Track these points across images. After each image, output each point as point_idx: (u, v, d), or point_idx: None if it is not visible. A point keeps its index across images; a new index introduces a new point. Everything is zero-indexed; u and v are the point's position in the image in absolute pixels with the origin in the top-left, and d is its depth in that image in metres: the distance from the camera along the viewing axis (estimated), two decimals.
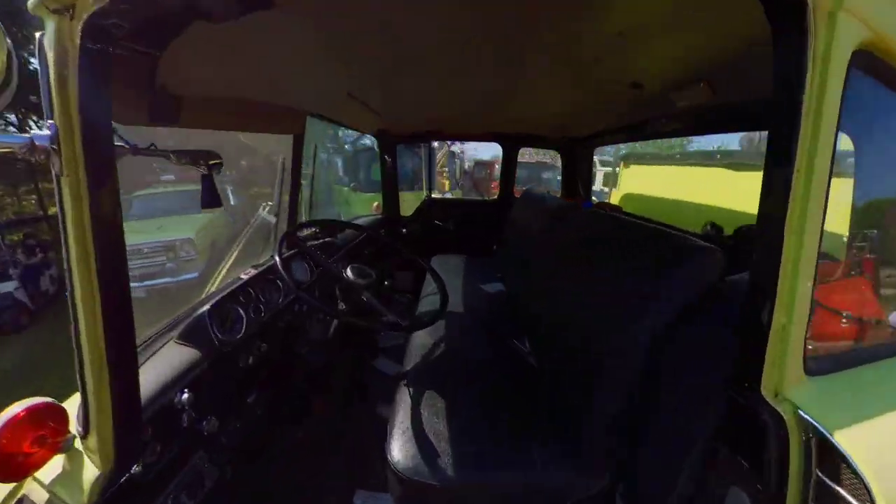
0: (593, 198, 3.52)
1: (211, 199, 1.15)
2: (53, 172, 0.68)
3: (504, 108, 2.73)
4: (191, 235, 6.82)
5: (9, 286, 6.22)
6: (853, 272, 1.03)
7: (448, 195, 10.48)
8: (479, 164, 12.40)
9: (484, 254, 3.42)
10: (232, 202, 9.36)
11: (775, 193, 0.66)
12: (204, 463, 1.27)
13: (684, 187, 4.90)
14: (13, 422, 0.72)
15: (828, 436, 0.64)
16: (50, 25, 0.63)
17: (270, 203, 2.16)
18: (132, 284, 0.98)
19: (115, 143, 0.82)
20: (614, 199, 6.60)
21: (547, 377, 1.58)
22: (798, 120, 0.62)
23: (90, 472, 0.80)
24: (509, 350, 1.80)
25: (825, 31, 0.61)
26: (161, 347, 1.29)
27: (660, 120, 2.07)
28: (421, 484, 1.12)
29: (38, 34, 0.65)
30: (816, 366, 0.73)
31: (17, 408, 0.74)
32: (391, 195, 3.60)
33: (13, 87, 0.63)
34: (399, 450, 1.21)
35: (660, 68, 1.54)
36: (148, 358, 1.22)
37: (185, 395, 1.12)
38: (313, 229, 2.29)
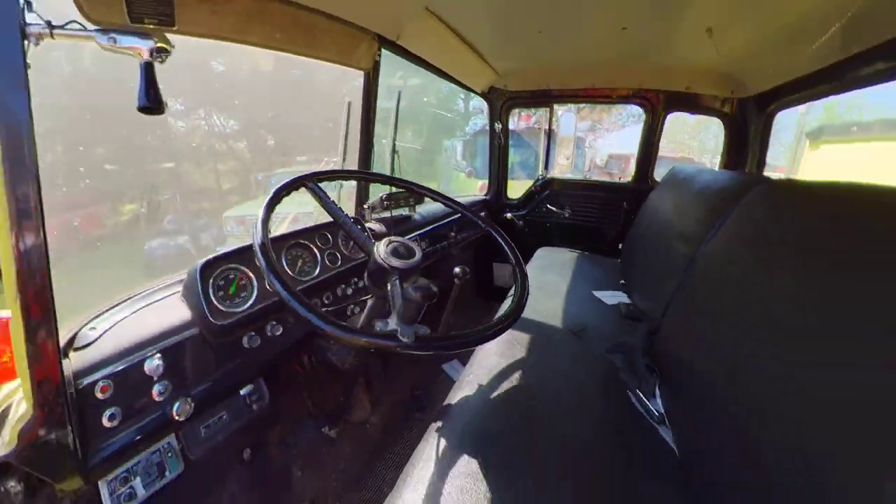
0: None
1: (149, 99, 0.75)
2: None
3: (656, 49, 1.95)
4: (312, 210, 7.54)
5: (182, 239, 7.97)
6: None
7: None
8: (615, 158, 10.97)
9: (609, 253, 2.64)
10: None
11: None
12: (168, 452, 1.03)
13: None
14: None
15: None
16: None
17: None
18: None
19: (30, 22, 0.65)
20: None
21: (697, 479, 0.86)
22: None
23: (20, 411, 0.75)
24: (629, 407, 1.12)
25: None
26: (164, 298, 1.13)
27: None
28: None
29: None
30: None
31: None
32: (499, 172, 3.04)
33: None
34: None
35: None
36: (149, 304, 1.09)
37: (157, 362, 0.95)
38: (384, 198, 1.87)
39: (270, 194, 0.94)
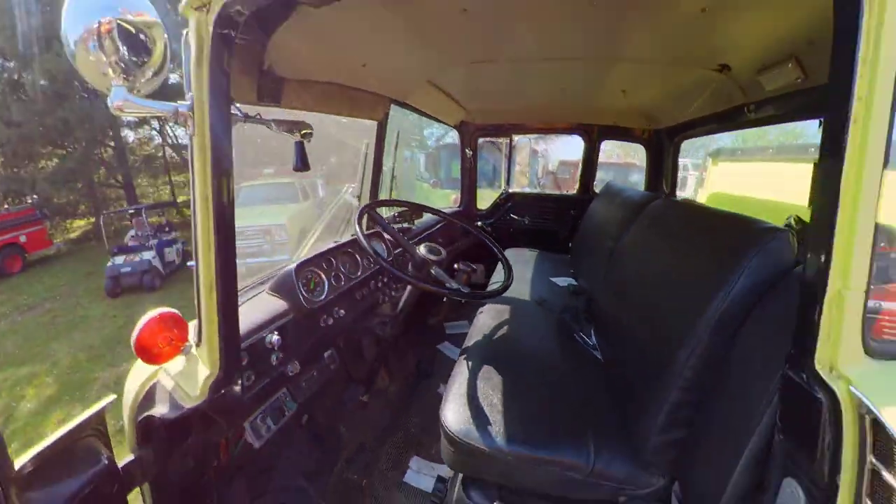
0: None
1: (302, 164, 1.27)
2: (188, 133, 0.87)
3: (588, 99, 2.65)
4: (283, 222, 7.70)
5: (148, 255, 7.78)
6: None
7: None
8: (564, 165, 11.99)
9: (560, 250, 3.33)
10: (321, 194, 10.21)
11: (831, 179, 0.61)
12: (286, 398, 1.50)
13: (775, 184, 4.43)
14: (152, 321, 0.96)
15: (881, 417, 0.56)
16: (192, 21, 0.82)
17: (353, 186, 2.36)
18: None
19: (233, 113, 0.97)
20: (701, 201, 6.05)
21: (611, 370, 1.51)
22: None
23: (202, 373, 0.99)
24: (574, 342, 1.76)
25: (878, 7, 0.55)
26: (256, 295, 1.52)
27: (749, 107, 1.84)
28: (471, 447, 1.15)
29: (183, 31, 0.84)
30: (882, 348, 0.64)
31: (154, 312, 0.98)
32: (469, 188, 3.66)
33: (167, 70, 0.83)
34: (452, 412, 1.25)
35: (747, 46, 1.42)
36: (245, 301, 1.46)
37: (276, 338, 1.30)
38: (395, 215, 2.44)
39: (356, 215, 1.55)
